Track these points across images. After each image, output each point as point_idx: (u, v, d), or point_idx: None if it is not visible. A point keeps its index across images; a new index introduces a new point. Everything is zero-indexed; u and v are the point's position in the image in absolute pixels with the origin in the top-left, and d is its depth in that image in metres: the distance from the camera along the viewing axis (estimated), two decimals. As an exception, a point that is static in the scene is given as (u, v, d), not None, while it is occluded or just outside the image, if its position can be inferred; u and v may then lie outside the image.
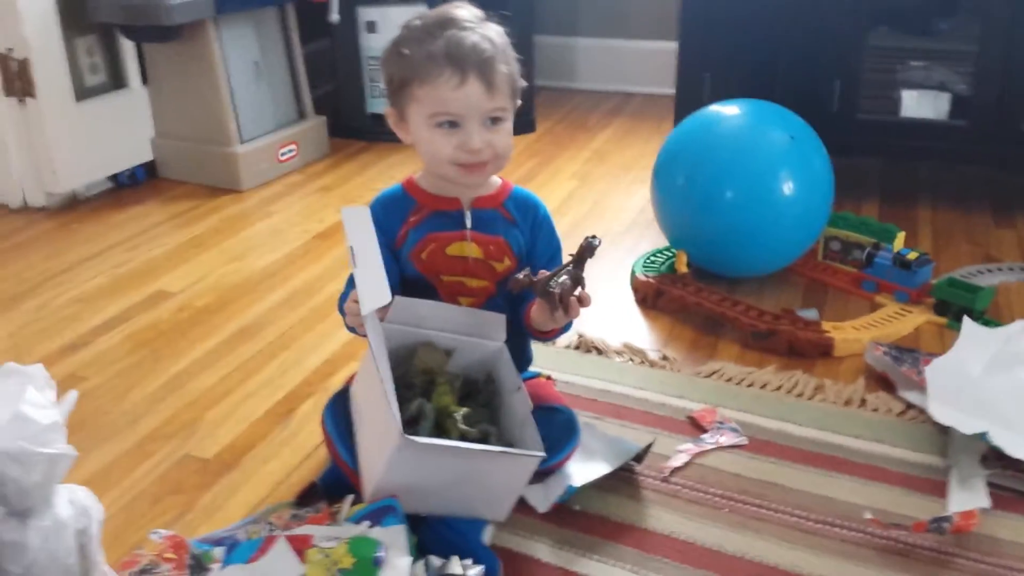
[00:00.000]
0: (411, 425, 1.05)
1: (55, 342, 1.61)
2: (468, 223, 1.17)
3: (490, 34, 1.11)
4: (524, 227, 1.20)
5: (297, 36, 2.53)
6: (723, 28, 2.13)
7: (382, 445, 1.01)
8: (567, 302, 1.07)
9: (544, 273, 1.07)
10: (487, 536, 1.09)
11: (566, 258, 1.09)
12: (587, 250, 1.05)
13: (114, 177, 2.36)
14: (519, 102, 1.16)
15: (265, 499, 1.19)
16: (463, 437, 1.07)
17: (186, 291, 1.80)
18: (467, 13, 1.13)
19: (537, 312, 1.12)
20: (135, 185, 2.38)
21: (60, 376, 1.46)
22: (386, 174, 2.45)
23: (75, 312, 1.72)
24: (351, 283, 1.20)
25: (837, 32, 2.04)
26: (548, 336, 1.19)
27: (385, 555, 0.90)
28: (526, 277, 1.07)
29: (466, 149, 1.10)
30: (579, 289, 1.07)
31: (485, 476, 1.04)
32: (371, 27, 2.62)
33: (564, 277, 1.06)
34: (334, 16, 2.50)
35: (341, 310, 1.20)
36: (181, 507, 1.18)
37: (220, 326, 1.66)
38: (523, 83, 1.16)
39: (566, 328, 1.18)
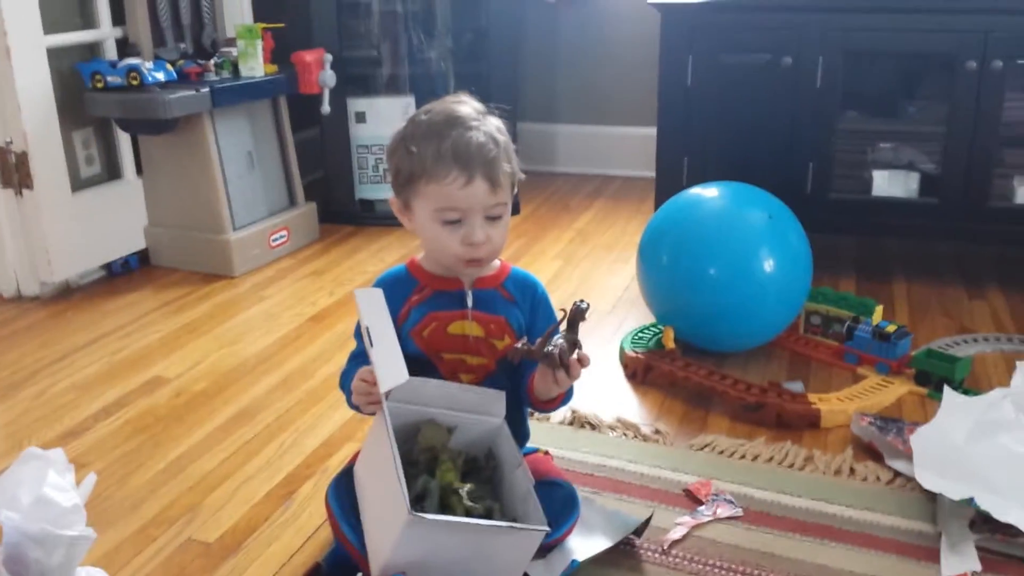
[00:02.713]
0: (417, 502, 1.07)
1: (54, 429, 1.62)
2: (469, 303, 1.22)
3: (492, 132, 1.16)
4: (524, 306, 1.25)
5: (289, 126, 2.61)
6: (700, 114, 2.23)
7: (389, 522, 1.03)
8: (567, 363, 1.11)
9: (540, 341, 1.11)
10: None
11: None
12: (577, 313, 1.10)
13: (107, 266, 2.39)
14: (516, 191, 1.22)
15: (270, 581, 1.20)
16: (468, 513, 1.09)
17: (182, 376, 1.82)
18: (470, 110, 1.18)
19: (540, 380, 1.16)
20: (128, 273, 2.41)
21: (61, 463, 1.47)
22: (376, 257, 2.50)
23: (73, 399, 1.73)
24: (353, 361, 1.24)
25: (809, 117, 2.14)
26: (551, 407, 1.23)
27: (399, 630, 0.91)
28: (524, 346, 1.12)
29: (469, 242, 1.16)
30: (576, 351, 1.11)
31: (491, 551, 1.06)
32: (360, 117, 2.72)
33: (560, 340, 1.11)
34: (326, 108, 2.58)
35: (343, 387, 1.23)
36: (187, 591, 1.19)
37: (217, 410, 1.68)
38: (522, 176, 1.21)
39: (568, 398, 1.22)
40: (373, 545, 1.09)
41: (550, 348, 1.10)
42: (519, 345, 1.12)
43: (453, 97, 1.21)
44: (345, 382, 1.23)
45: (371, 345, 1.07)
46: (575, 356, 1.11)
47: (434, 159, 1.13)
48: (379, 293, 1.13)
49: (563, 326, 1.12)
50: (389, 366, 1.06)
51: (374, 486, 1.14)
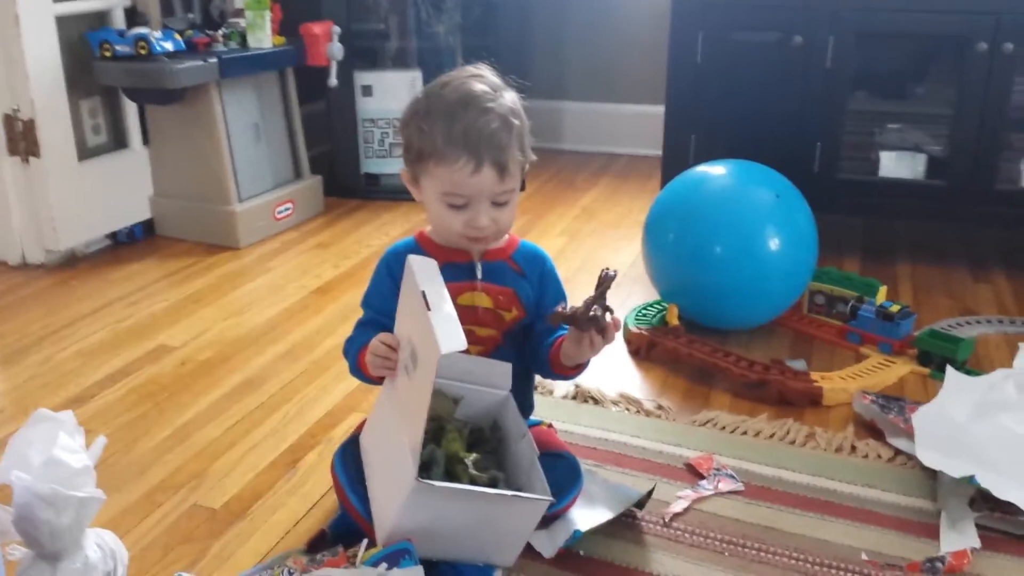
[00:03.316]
0: (422, 471, 1.08)
1: (59, 396, 1.63)
2: (479, 274, 1.22)
3: (507, 114, 1.14)
4: (532, 279, 1.25)
5: (295, 98, 2.61)
6: (708, 93, 2.23)
7: (396, 489, 1.04)
8: (605, 326, 1.12)
9: (575, 307, 1.12)
10: (496, 582, 1.11)
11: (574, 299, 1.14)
12: (606, 281, 1.11)
13: (112, 235, 2.40)
14: (533, 158, 1.20)
15: (275, 548, 1.21)
16: (473, 482, 1.10)
17: (187, 345, 1.83)
18: (486, 87, 1.15)
19: (573, 345, 1.16)
20: (133, 243, 2.42)
21: (68, 428, 1.48)
22: (380, 231, 2.51)
23: (78, 366, 1.74)
24: (361, 328, 1.24)
25: (817, 96, 2.13)
26: (574, 373, 1.23)
27: (404, 595, 0.93)
28: (563, 310, 1.12)
29: (473, 226, 1.16)
30: (609, 316, 1.12)
31: (495, 520, 1.07)
32: (367, 91, 2.71)
33: (595, 306, 1.11)
34: (333, 80, 2.58)
35: (347, 353, 1.23)
36: (193, 555, 1.20)
37: (222, 379, 1.68)
38: (533, 158, 1.20)
39: (585, 365, 1.22)
40: (379, 511, 1.11)
41: (595, 312, 1.10)
42: (558, 309, 1.13)
43: (472, 69, 1.19)
44: (351, 348, 1.23)
45: (428, 309, 1.06)
46: (609, 320, 1.12)
47: (444, 141, 1.12)
48: (433, 262, 1.13)
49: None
50: (448, 330, 1.04)
51: (381, 454, 1.15)
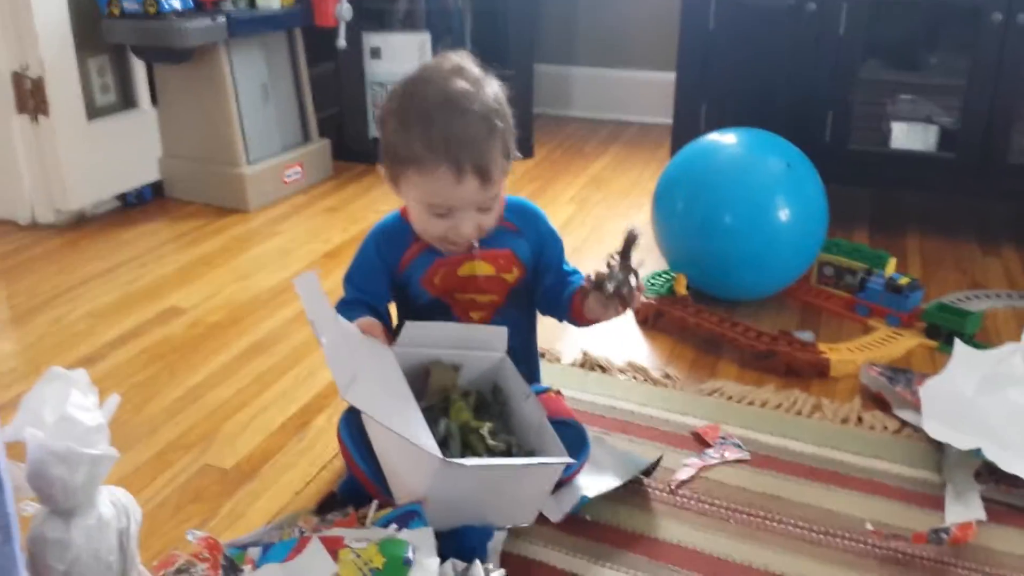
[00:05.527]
0: (441, 447, 1.06)
1: (71, 355, 1.64)
2: (476, 243, 1.21)
3: (489, 114, 1.11)
4: (529, 235, 1.25)
5: (304, 60, 2.59)
6: (720, 60, 2.21)
7: (419, 467, 1.03)
8: (631, 295, 1.12)
9: (600, 272, 1.12)
10: (497, 545, 1.10)
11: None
12: (631, 241, 1.11)
13: (122, 196, 2.39)
14: (516, 155, 1.18)
15: (285, 508, 1.22)
16: (490, 451, 1.10)
17: (198, 307, 1.83)
18: (467, 83, 1.12)
19: (596, 306, 1.15)
20: (142, 204, 2.42)
21: (79, 387, 1.48)
22: (388, 196, 2.44)
23: (89, 327, 1.75)
24: (346, 309, 1.23)
25: (829, 65, 2.11)
26: (594, 323, 1.22)
27: (414, 555, 0.94)
28: (589, 283, 1.13)
29: (457, 232, 1.15)
30: (634, 279, 1.11)
31: (516, 486, 1.08)
32: (376, 53, 2.69)
33: (621, 275, 1.11)
34: (341, 42, 2.56)
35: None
36: (203, 515, 1.21)
37: (232, 341, 1.69)
38: (518, 155, 1.18)
39: None
40: (396, 482, 1.09)
41: (615, 283, 1.10)
42: (584, 284, 1.14)
43: (453, 60, 1.15)
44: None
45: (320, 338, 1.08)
46: (634, 284, 1.12)
47: (424, 149, 1.09)
48: (314, 278, 1.13)
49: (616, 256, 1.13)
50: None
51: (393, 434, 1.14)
